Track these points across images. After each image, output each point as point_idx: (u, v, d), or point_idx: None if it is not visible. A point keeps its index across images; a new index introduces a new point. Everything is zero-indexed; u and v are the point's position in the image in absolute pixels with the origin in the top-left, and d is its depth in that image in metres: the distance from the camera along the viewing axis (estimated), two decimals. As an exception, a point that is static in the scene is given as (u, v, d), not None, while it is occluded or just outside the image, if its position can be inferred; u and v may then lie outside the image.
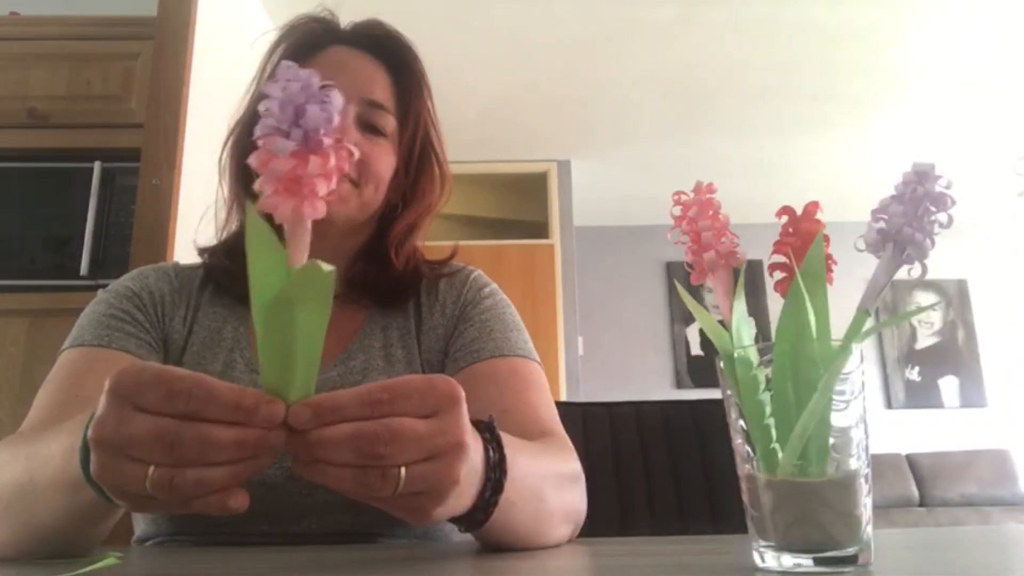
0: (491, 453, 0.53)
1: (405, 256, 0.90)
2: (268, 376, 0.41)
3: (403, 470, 0.41)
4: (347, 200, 0.82)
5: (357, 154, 0.40)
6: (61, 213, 2.01)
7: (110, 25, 2.16)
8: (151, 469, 0.39)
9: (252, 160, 0.38)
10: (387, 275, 0.88)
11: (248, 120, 0.89)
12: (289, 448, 0.41)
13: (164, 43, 2.04)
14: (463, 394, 0.45)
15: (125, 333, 0.79)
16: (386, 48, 0.90)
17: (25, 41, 2.13)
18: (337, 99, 0.38)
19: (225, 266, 0.86)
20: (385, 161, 0.86)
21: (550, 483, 0.65)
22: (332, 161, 0.37)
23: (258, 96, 0.89)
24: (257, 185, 0.38)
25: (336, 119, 0.38)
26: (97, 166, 2.02)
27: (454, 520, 0.53)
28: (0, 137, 2.05)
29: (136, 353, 0.78)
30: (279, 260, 0.38)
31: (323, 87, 0.38)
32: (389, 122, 0.86)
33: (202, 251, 0.90)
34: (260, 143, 0.38)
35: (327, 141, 0.37)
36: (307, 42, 0.88)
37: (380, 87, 0.87)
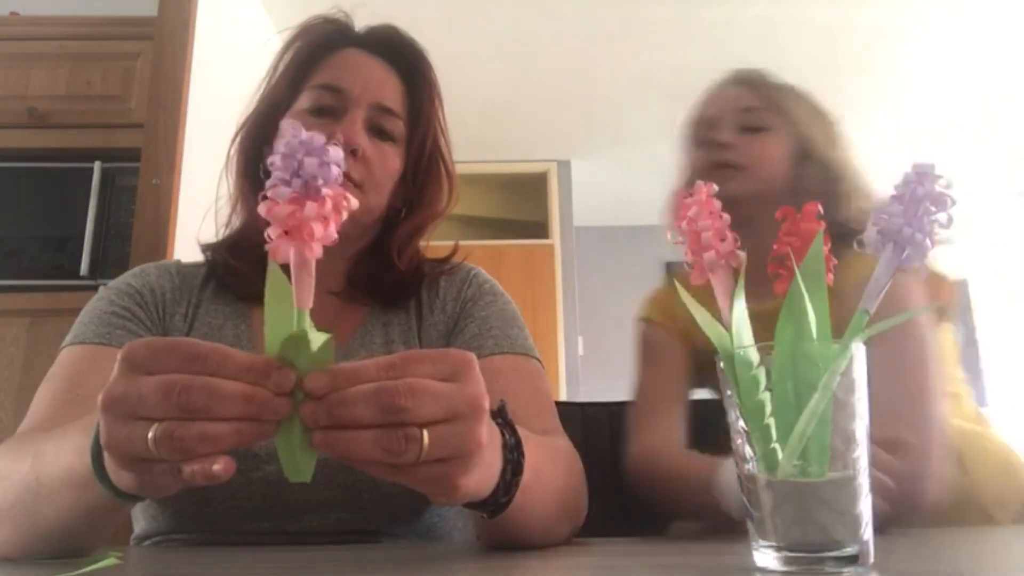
0: (507, 436, 0.53)
1: (408, 257, 0.90)
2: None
3: (426, 432, 0.41)
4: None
5: (355, 204, 0.43)
6: (61, 213, 2.01)
7: (110, 25, 2.16)
8: (155, 425, 0.39)
9: (260, 208, 0.41)
10: (389, 275, 0.88)
11: (257, 117, 0.89)
12: (307, 417, 0.41)
13: (164, 43, 2.04)
14: (476, 362, 0.45)
15: (126, 331, 0.78)
16: (399, 54, 0.90)
17: (25, 41, 2.13)
18: (335, 153, 0.41)
19: (228, 263, 0.86)
20: (391, 165, 0.86)
21: (559, 477, 0.65)
22: (328, 206, 0.41)
23: (267, 93, 0.90)
24: (267, 232, 0.41)
25: (335, 171, 0.41)
26: (97, 166, 2.02)
27: (477, 506, 0.53)
28: (0, 137, 2.05)
29: None
30: (290, 313, 0.41)
31: (326, 143, 0.42)
32: (398, 127, 0.87)
33: (205, 248, 0.90)
34: (268, 193, 0.41)
35: (326, 190, 0.41)
36: (321, 43, 0.89)
37: (391, 92, 0.87)
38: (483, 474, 0.47)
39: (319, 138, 0.41)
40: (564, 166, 4.44)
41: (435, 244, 0.95)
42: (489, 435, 0.47)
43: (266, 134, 0.88)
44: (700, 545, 0.64)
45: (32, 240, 2.00)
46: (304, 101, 0.86)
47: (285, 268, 0.42)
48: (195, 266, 0.90)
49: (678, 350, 1.03)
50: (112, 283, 0.85)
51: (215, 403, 0.39)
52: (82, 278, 1.95)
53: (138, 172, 1.94)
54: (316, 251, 0.41)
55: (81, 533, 0.56)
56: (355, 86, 0.85)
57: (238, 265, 0.85)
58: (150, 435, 0.39)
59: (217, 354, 0.40)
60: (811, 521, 0.43)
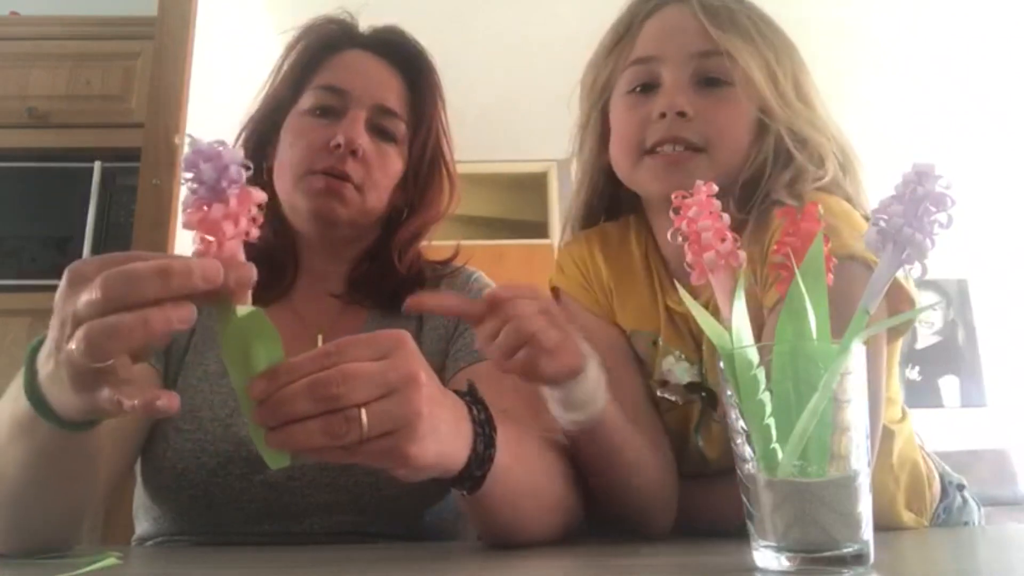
0: (475, 411, 0.54)
1: (409, 260, 0.90)
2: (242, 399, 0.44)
3: (363, 411, 0.43)
4: (350, 203, 0.82)
5: (261, 196, 0.44)
6: (61, 213, 2.01)
7: (110, 25, 2.16)
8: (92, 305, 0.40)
9: (182, 222, 0.44)
10: (390, 278, 0.88)
11: (260, 117, 0.89)
12: (258, 420, 0.43)
13: (164, 43, 2.04)
14: (409, 337, 0.47)
15: None
16: (402, 55, 0.90)
17: (25, 41, 2.13)
18: (231, 154, 0.43)
19: None
20: (392, 166, 0.86)
21: (550, 465, 0.65)
22: (233, 203, 0.43)
23: (271, 94, 0.90)
24: (193, 244, 0.43)
25: (233, 170, 0.42)
26: (97, 166, 2.02)
27: (454, 483, 0.53)
28: (0, 137, 2.05)
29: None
30: (228, 308, 0.43)
31: (217, 146, 0.43)
32: (399, 128, 0.87)
33: None
34: (183, 208, 0.44)
35: (231, 191, 0.42)
36: (324, 43, 0.89)
37: (393, 93, 0.87)
38: (438, 445, 0.48)
39: (214, 145, 0.43)
40: (564, 166, 4.43)
41: (435, 244, 0.95)
42: (441, 404, 0.48)
43: (269, 134, 0.88)
44: (700, 545, 0.64)
45: (32, 240, 2.00)
46: (306, 101, 0.86)
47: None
48: None
49: (612, 338, 0.84)
50: None
51: (132, 285, 0.40)
52: (82, 278, 1.94)
53: (138, 172, 1.94)
54: (231, 248, 0.43)
55: (46, 491, 0.56)
56: (357, 87, 0.85)
57: None
58: (71, 344, 0.40)
59: (142, 256, 0.42)
60: (811, 521, 0.43)
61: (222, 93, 2.19)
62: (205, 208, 0.42)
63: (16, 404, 0.50)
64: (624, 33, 0.82)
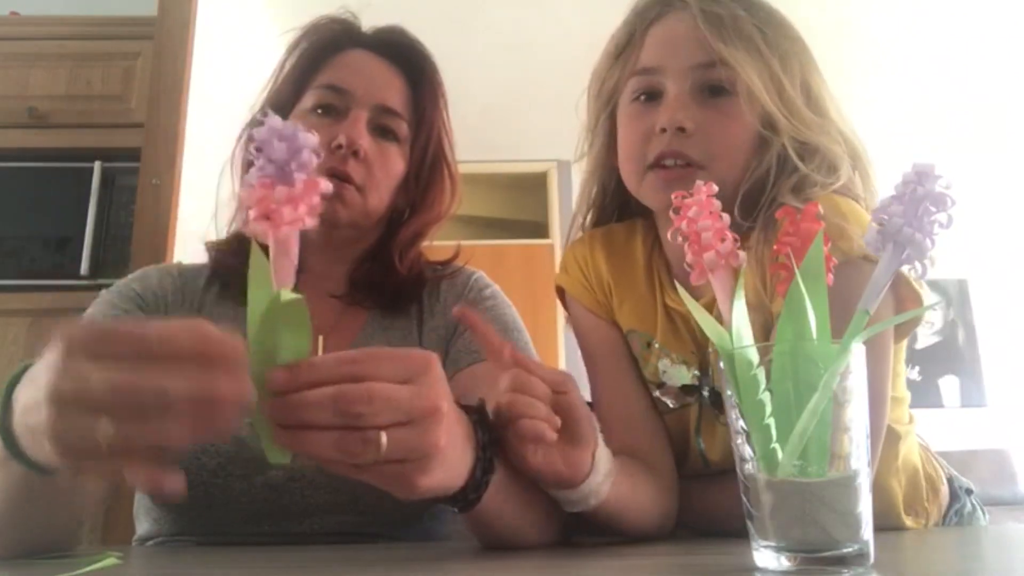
0: (480, 434, 0.53)
1: (410, 261, 0.90)
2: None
3: (383, 434, 0.42)
4: (351, 205, 0.82)
5: (327, 187, 0.43)
6: (61, 213, 2.01)
7: (110, 25, 2.16)
8: (106, 421, 0.37)
9: (240, 194, 0.43)
10: (390, 279, 0.88)
11: (268, 104, 0.88)
12: (270, 414, 0.42)
13: (164, 43, 2.04)
14: (437, 361, 0.46)
15: None
16: (405, 55, 0.90)
17: (25, 41, 2.13)
18: (306, 139, 0.42)
19: (232, 264, 0.85)
20: (394, 166, 0.86)
21: None
22: (299, 188, 0.42)
23: (273, 93, 0.89)
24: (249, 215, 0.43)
25: (306, 155, 0.42)
26: (97, 166, 2.02)
27: (447, 501, 0.53)
28: (0, 137, 2.05)
29: None
30: (268, 292, 0.42)
31: (298, 131, 0.43)
32: (401, 128, 0.87)
33: (210, 247, 0.89)
34: (247, 180, 0.43)
35: (298, 175, 0.42)
36: (326, 43, 0.89)
37: (395, 93, 0.87)
38: (445, 473, 0.48)
39: (291, 126, 0.43)
40: (564, 166, 4.43)
41: (435, 244, 0.95)
42: (456, 433, 0.48)
43: None
44: (700, 545, 0.64)
45: (32, 240, 2.00)
46: (308, 101, 0.86)
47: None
48: (197, 268, 0.90)
49: (612, 339, 0.86)
50: (114, 286, 0.85)
51: (166, 404, 0.38)
52: (82, 278, 1.95)
53: (138, 172, 1.94)
54: (285, 232, 0.42)
55: (33, 521, 0.56)
56: (358, 87, 0.85)
57: (241, 266, 0.85)
58: (101, 432, 0.37)
59: (160, 337, 0.38)
60: (811, 521, 0.43)
61: (222, 93, 2.19)
62: (269, 187, 0.42)
63: None
64: (627, 41, 0.82)
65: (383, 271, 0.88)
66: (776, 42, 0.77)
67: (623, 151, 0.82)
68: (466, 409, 0.55)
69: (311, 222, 0.43)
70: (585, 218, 0.93)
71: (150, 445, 0.38)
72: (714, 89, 0.76)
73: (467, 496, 0.53)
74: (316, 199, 0.43)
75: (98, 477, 0.42)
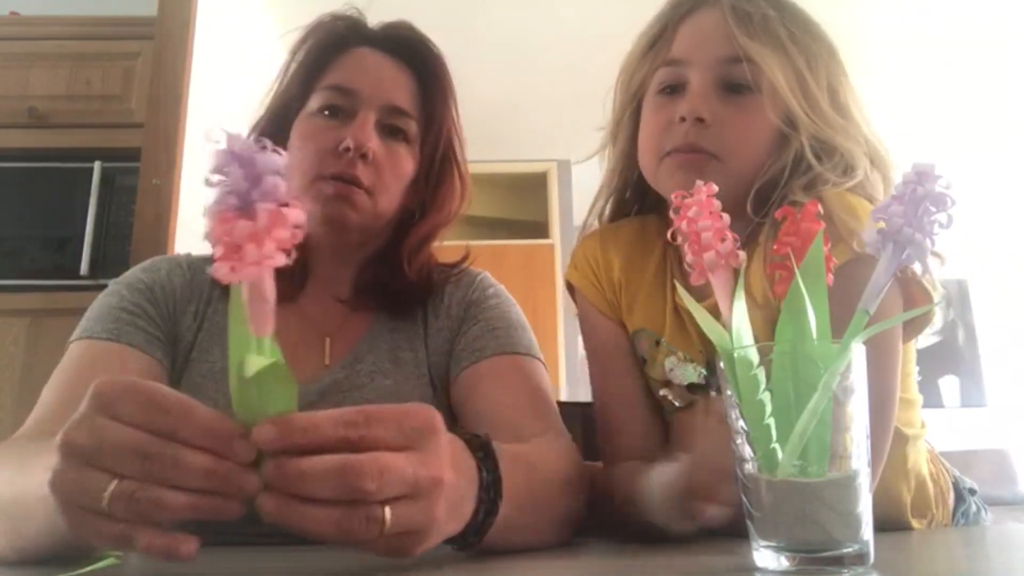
0: (484, 474, 0.51)
1: (418, 265, 0.88)
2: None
3: (387, 510, 0.39)
4: (361, 208, 0.81)
5: (299, 218, 0.38)
6: (61, 213, 2.01)
7: (110, 25, 2.16)
8: (114, 482, 0.37)
9: (204, 227, 0.38)
10: (398, 282, 0.86)
11: (269, 119, 0.87)
12: (266, 477, 0.39)
13: (164, 43, 2.04)
14: (441, 423, 0.44)
15: (135, 327, 0.77)
16: (413, 52, 0.88)
17: (25, 41, 2.13)
18: (268, 162, 0.37)
19: None
20: (403, 167, 0.84)
21: (551, 491, 0.64)
22: (262, 222, 0.36)
23: (279, 95, 0.88)
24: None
25: (269, 182, 0.37)
26: (97, 166, 2.02)
27: (447, 541, 0.51)
28: (0, 137, 2.05)
29: (145, 349, 0.77)
30: (247, 335, 0.38)
31: (258, 151, 0.37)
32: (411, 128, 0.85)
33: None
34: (206, 212, 0.38)
35: (262, 206, 0.36)
36: (332, 41, 0.87)
37: (403, 92, 0.85)
38: (440, 535, 0.47)
39: (250, 146, 0.37)
40: (564, 166, 4.43)
41: (436, 245, 0.95)
42: (457, 496, 0.46)
43: (278, 137, 0.85)
44: (700, 545, 0.64)
45: (32, 240, 2.00)
46: (315, 102, 0.84)
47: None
48: (206, 260, 0.88)
49: (616, 339, 0.87)
50: (123, 277, 0.84)
51: (177, 473, 0.38)
52: (82, 278, 1.95)
53: (138, 172, 1.94)
54: (251, 274, 0.37)
55: (72, 549, 0.54)
56: (366, 87, 0.83)
57: None
58: (107, 491, 0.37)
59: (180, 409, 0.39)
60: (811, 521, 0.43)
61: (222, 93, 2.19)
62: (230, 221, 0.36)
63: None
64: (659, 35, 0.83)
65: (390, 274, 0.87)
66: (804, 42, 0.77)
67: (643, 140, 0.82)
68: (470, 442, 0.52)
69: (281, 259, 0.37)
70: (604, 207, 0.93)
71: (152, 511, 0.37)
72: (737, 85, 0.76)
73: (467, 539, 0.51)
74: (285, 233, 0.37)
75: (103, 539, 0.39)
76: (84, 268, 1.94)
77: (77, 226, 1.98)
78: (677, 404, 0.82)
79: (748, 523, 0.46)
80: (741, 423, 0.46)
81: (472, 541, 0.52)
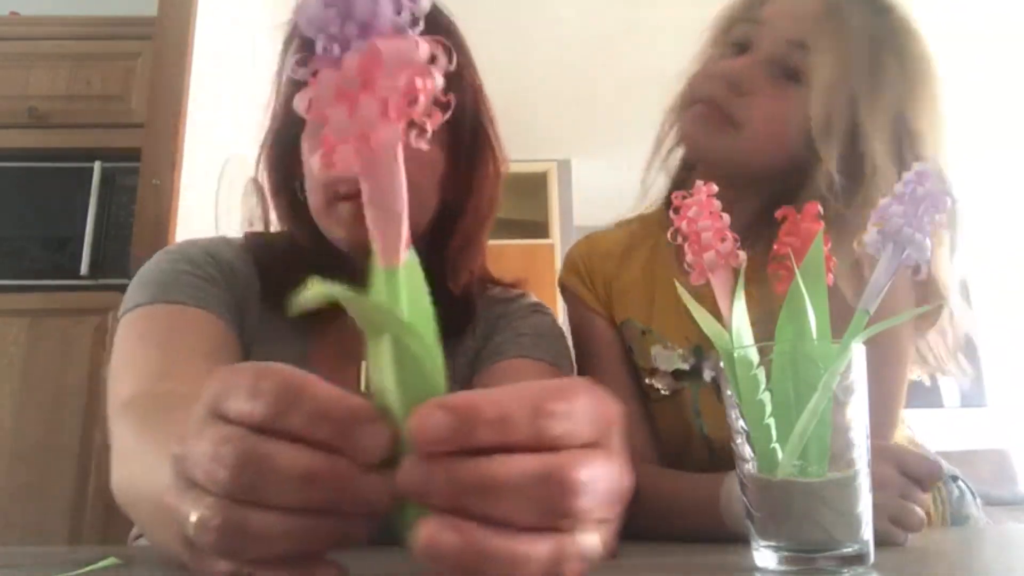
0: None
1: (464, 279, 0.77)
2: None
3: (597, 538, 0.27)
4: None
5: (436, 82, 0.25)
6: (61, 213, 2.01)
7: (110, 25, 2.16)
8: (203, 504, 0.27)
9: (297, 104, 0.25)
10: (441, 304, 0.78)
11: (279, 128, 0.78)
12: (414, 488, 0.25)
13: (164, 43, 2.04)
14: (620, 411, 0.30)
15: (219, 300, 0.68)
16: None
17: (25, 41, 2.13)
18: None
19: (280, 278, 0.74)
20: (428, 162, 0.71)
21: None
22: (351, 69, 0.23)
23: (284, 99, 0.78)
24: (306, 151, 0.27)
25: (383, 4, 0.24)
26: (97, 166, 2.02)
27: None
28: (0, 137, 2.05)
29: (229, 325, 0.69)
30: (394, 319, 0.28)
31: None
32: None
33: (251, 243, 0.78)
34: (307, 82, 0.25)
35: (356, 43, 0.24)
36: None
37: None
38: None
39: None
40: (564, 166, 4.44)
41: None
42: None
43: (292, 145, 0.75)
44: (700, 545, 0.64)
45: (32, 240, 2.00)
46: None
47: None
48: (236, 253, 0.77)
49: (609, 336, 0.86)
50: (174, 250, 0.74)
51: (265, 483, 0.25)
52: (82, 278, 1.94)
53: (138, 172, 1.94)
54: (384, 138, 0.25)
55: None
56: None
57: (291, 281, 0.60)
58: (192, 517, 0.27)
59: (288, 384, 0.26)
60: (811, 521, 0.43)
61: (222, 93, 2.19)
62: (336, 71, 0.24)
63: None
64: (740, 18, 0.81)
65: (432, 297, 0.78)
66: (884, 62, 0.74)
67: (687, 83, 0.82)
68: None
69: (421, 141, 0.25)
70: (654, 171, 0.91)
71: (237, 544, 0.26)
72: (794, 71, 0.73)
73: None
74: (411, 72, 0.24)
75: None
76: (84, 268, 1.94)
77: (77, 226, 1.98)
78: (663, 392, 0.83)
79: (748, 523, 0.46)
80: (741, 423, 0.46)
81: None
